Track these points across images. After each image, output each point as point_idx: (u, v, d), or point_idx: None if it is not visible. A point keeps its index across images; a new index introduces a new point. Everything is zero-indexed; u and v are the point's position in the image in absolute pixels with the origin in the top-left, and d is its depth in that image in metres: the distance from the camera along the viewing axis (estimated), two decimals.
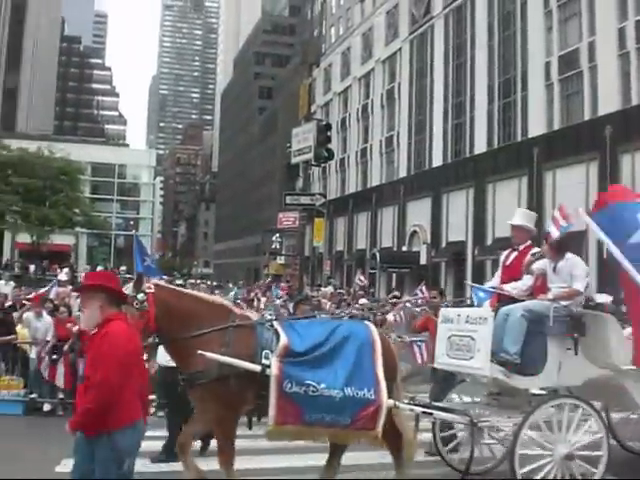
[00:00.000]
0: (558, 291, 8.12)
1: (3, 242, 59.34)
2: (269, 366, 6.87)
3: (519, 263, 8.79)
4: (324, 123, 28.89)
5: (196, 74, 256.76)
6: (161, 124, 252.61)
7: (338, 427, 6.96)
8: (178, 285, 12.74)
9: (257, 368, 6.86)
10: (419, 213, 49.55)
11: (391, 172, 55.52)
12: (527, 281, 8.64)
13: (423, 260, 48.28)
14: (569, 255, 8.30)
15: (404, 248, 51.45)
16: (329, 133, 27.13)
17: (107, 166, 73.56)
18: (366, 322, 8.51)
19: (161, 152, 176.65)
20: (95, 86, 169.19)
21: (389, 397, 7.14)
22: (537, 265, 8.55)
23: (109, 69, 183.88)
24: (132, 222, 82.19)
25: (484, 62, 43.86)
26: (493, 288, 8.97)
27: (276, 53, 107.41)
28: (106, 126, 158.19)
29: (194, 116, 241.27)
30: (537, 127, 38.56)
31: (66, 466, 7.50)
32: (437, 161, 48.82)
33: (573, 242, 8.56)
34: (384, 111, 57.65)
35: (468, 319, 8.12)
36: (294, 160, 29.52)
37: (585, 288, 8.31)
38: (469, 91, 45.57)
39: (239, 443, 7.13)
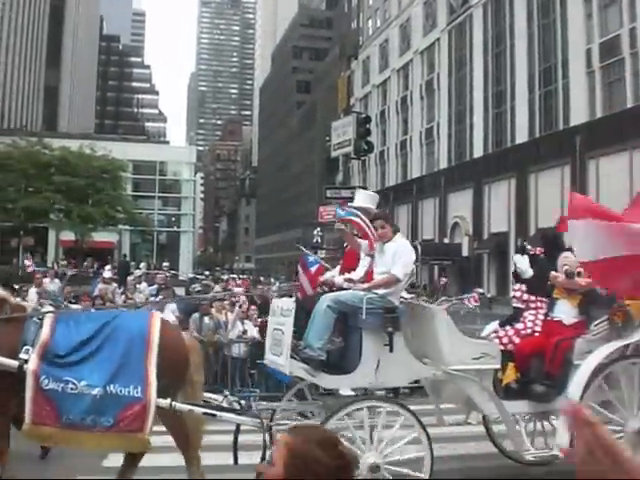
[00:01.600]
0: (377, 278, 7.18)
1: (48, 240, 60.11)
2: (27, 361, 6.18)
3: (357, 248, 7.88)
4: (363, 116, 28.73)
5: (234, 70, 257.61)
6: (200, 120, 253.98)
7: (100, 429, 6.16)
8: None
9: (14, 363, 6.18)
10: (460, 204, 49.23)
11: (431, 163, 55.21)
12: (363, 266, 7.72)
13: (465, 252, 47.97)
14: (398, 237, 7.41)
15: (446, 240, 51.18)
16: (368, 126, 26.98)
17: (148, 163, 74.05)
18: (152, 313, 7.47)
19: (201, 148, 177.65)
20: (135, 84, 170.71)
21: (167, 395, 6.38)
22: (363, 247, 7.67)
23: (148, 67, 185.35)
24: (174, 218, 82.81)
25: (524, 50, 43.37)
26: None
27: (314, 47, 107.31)
28: (146, 124, 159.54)
29: (233, 112, 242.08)
30: (579, 115, 38.04)
31: (113, 460, 7.60)
32: (478, 151, 48.42)
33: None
34: (423, 102, 57.32)
35: (282, 311, 7.29)
36: (334, 154, 29.48)
37: (410, 276, 7.39)
38: (509, 80, 45.11)
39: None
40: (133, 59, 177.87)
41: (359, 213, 7.48)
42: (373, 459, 6.61)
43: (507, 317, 8.83)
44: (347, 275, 7.66)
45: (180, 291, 20.12)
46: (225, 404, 7.19)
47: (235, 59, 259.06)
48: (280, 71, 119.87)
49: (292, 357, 6.94)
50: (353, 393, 6.99)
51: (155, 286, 20.49)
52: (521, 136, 43.40)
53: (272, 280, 40.91)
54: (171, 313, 15.61)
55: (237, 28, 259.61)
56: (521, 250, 8.95)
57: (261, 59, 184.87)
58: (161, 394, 6.33)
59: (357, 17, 75.34)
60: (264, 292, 17.19)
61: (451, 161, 52.28)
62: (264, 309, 14.19)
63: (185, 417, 6.65)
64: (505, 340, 7.90)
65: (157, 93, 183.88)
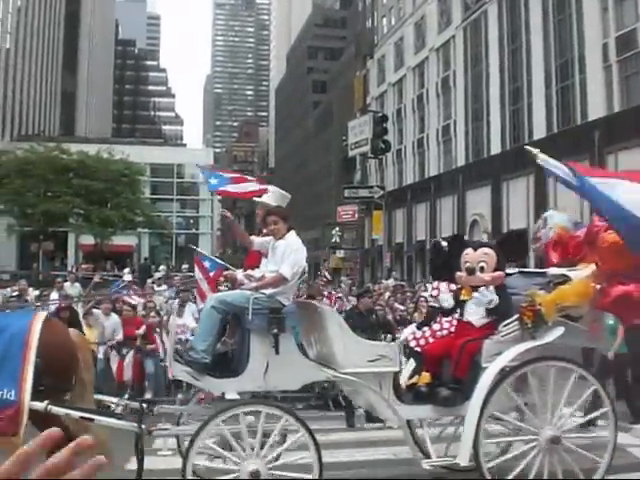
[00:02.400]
0: (267, 277, 7.09)
1: (67, 244, 60.48)
2: None
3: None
4: (380, 115, 28.75)
5: (250, 71, 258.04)
6: (217, 122, 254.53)
7: None
8: None
9: None
10: (479, 202, 49.01)
11: (449, 161, 55.02)
12: (264, 266, 7.57)
13: None
14: (290, 235, 7.26)
15: (465, 237, 50.99)
16: (385, 124, 26.98)
17: (165, 166, 74.33)
18: (36, 313, 7.26)
19: (218, 150, 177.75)
20: (151, 88, 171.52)
21: (52, 396, 6.16)
22: (258, 241, 7.64)
23: (164, 70, 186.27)
24: (192, 221, 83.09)
25: (540, 46, 43.14)
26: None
27: (328, 46, 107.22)
28: (163, 127, 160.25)
29: (249, 113, 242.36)
30: (597, 110, 37.78)
31: (135, 463, 7.62)
32: (495, 148, 48.19)
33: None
34: (439, 100, 57.12)
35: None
36: (351, 153, 29.57)
37: (301, 275, 7.31)
38: (525, 76, 44.88)
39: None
40: (149, 63, 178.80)
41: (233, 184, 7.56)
42: (254, 466, 6.35)
43: (424, 318, 8.77)
44: (249, 271, 7.55)
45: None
46: (120, 408, 7.14)
47: (250, 60, 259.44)
48: (295, 72, 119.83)
49: (176, 360, 6.81)
50: (238, 397, 6.77)
51: (174, 288, 20.57)
52: (539, 132, 43.14)
53: None
54: (191, 315, 15.66)
55: (252, 29, 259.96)
56: (434, 248, 8.92)
57: (276, 60, 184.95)
58: (46, 395, 6.14)
59: (371, 16, 75.17)
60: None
61: (469, 158, 52.08)
62: None
63: (74, 420, 6.36)
64: (422, 341, 7.72)
65: (173, 96, 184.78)
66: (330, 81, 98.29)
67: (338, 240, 61.98)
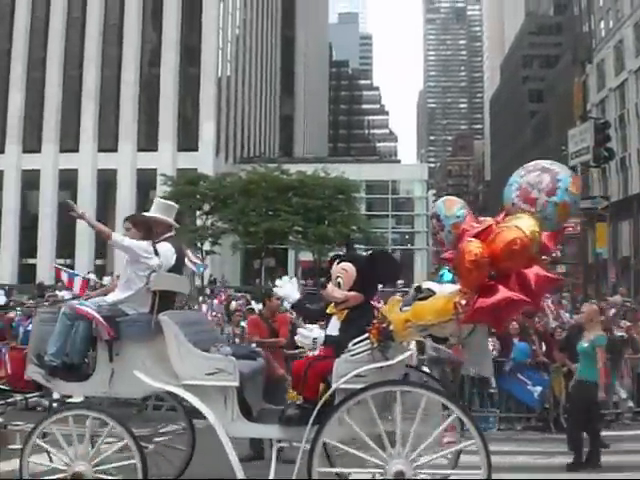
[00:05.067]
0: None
1: (287, 260, 62.61)
2: None
3: None
4: (602, 121, 27.40)
5: (463, 84, 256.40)
6: (431, 137, 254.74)
7: None
8: None
9: None
10: None
11: None
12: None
13: None
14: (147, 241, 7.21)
15: None
16: (607, 132, 25.68)
17: (380, 183, 75.12)
18: None
19: (432, 165, 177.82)
20: (365, 106, 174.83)
21: None
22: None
23: (377, 89, 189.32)
24: (407, 236, 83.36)
25: None
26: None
27: (544, 54, 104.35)
28: (377, 144, 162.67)
29: (463, 127, 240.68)
30: None
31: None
32: None
33: None
34: None
35: None
36: (571, 162, 28.35)
37: (146, 278, 6.95)
38: None
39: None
40: (362, 82, 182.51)
41: None
42: (81, 467, 6.54)
43: None
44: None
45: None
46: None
47: (463, 73, 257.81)
48: (510, 82, 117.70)
49: (31, 361, 7.12)
50: (80, 400, 7.11)
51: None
52: None
53: None
54: None
55: (464, 42, 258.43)
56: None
57: (490, 71, 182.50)
58: None
59: (588, 19, 72.26)
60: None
61: None
62: None
63: None
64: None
65: (387, 113, 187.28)
66: (547, 89, 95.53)
67: (559, 254, 59.72)
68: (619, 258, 57.98)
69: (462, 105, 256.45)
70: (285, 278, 7.70)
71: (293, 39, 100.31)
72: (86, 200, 61.59)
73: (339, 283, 6.82)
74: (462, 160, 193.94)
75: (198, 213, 51.61)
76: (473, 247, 5.63)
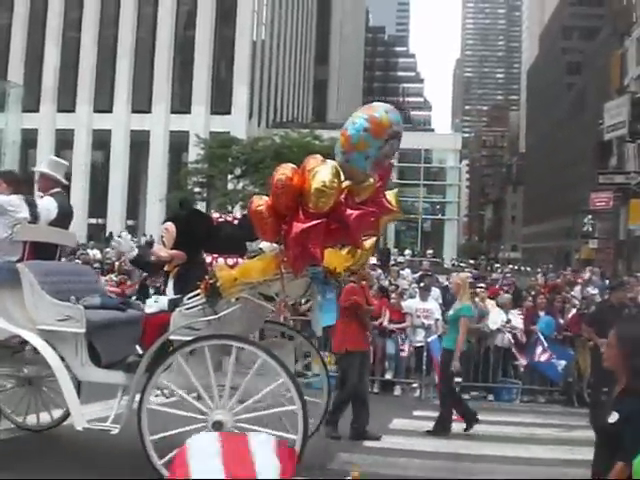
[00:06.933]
0: None
1: None
2: None
3: None
4: (639, 95, 26.95)
5: (500, 54, 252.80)
6: (466, 107, 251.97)
7: None
8: None
9: None
10: None
11: None
12: None
13: None
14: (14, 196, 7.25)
15: None
16: None
17: (413, 152, 74.59)
18: None
19: (466, 135, 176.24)
20: (400, 74, 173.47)
21: None
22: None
23: (413, 56, 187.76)
24: (438, 206, 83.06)
25: None
26: None
27: (584, 25, 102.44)
28: (412, 112, 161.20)
29: (499, 97, 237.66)
30: None
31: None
32: None
33: None
34: None
35: None
36: (607, 137, 28.05)
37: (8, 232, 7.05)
38: None
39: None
40: (398, 49, 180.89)
41: None
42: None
43: None
44: None
45: (442, 278, 20.01)
46: None
47: (501, 43, 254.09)
48: (549, 53, 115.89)
49: None
50: None
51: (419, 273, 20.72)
52: None
53: (538, 270, 39.25)
54: (435, 300, 15.57)
55: (503, 11, 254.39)
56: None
57: (528, 41, 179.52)
58: None
59: None
60: None
61: None
62: None
63: None
64: None
65: (422, 81, 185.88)
66: (585, 62, 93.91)
67: (591, 229, 59.08)
68: None
69: (499, 75, 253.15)
70: (123, 234, 8.12)
71: (329, 4, 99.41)
72: (119, 160, 62.07)
73: (163, 242, 7.40)
74: (497, 131, 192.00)
75: (230, 177, 51.60)
76: (278, 173, 6.24)
